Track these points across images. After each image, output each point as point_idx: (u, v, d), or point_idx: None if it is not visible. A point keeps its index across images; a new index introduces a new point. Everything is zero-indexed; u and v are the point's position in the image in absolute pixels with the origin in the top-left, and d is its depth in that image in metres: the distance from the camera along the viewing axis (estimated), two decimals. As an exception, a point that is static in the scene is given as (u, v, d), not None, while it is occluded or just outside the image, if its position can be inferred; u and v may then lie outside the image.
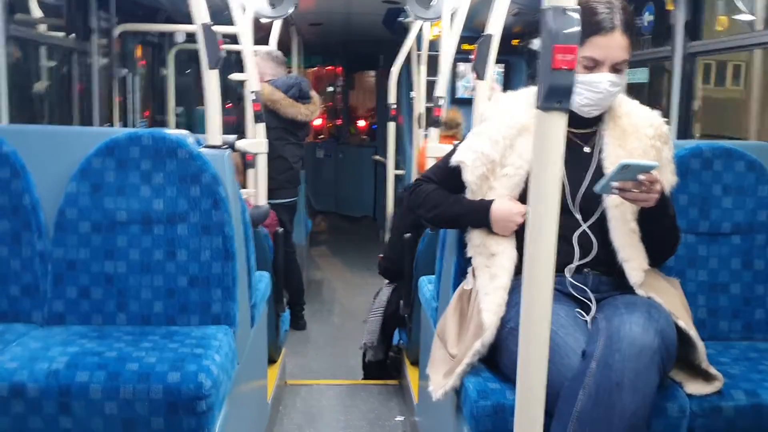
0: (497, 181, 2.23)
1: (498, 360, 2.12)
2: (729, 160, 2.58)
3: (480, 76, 3.27)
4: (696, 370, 2.12)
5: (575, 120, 2.18)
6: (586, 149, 2.24)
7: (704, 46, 3.60)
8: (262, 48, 5.40)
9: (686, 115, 3.71)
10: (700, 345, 2.07)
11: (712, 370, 2.10)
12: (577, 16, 1.32)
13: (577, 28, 1.32)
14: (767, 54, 3.85)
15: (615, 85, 2.11)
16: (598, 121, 2.24)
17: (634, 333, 1.85)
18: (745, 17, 3.69)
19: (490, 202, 2.21)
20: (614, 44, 2.08)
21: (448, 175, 2.33)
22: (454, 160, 2.29)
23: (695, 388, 2.10)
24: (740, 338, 2.57)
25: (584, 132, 2.24)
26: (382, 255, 4.48)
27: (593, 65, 2.09)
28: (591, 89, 2.11)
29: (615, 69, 2.11)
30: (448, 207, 2.33)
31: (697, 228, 2.57)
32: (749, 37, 3.42)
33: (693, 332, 2.06)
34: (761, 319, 2.58)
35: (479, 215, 2.22)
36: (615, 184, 1.99)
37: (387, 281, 4.39)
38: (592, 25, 2.06)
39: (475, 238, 2.27)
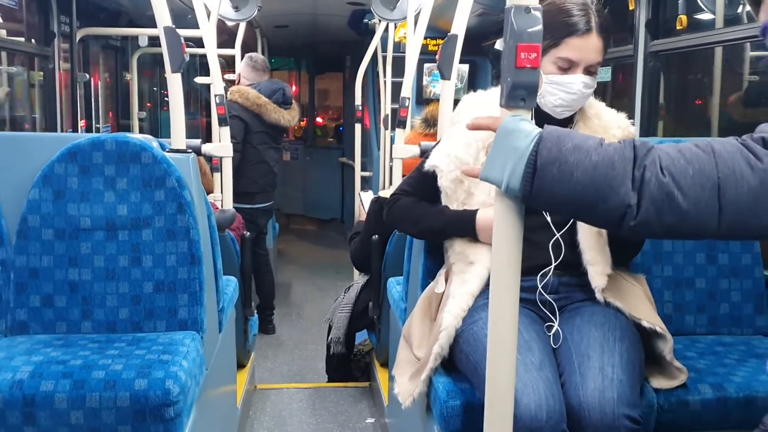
0: (473, 184, 2.20)
1: (455, 360, 2.12)
2: (691, 156, 2.59)
3: (445, 75, 3.27)
4: (661, 364, 2.14)
5: (547, 120, 2.18)
6: None
7: (666, 44, 3.64)
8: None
9: (649, 112, 3.74)
10: (669, 338, 2.09)
11: (677, 364, 2.12)
12: (539, 15, 1.33)
13: (539, 27, 1.32)
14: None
15: (588, 87, 2.10)
16: (569, 121, 2.22)
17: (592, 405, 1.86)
18: (706, 16, 3.73)
19: (475, 211, 2.19)
20: (590, 46, 2.06)
21: (424, 183, 2.30)
22: (428, 165, 2.26)
23: (661, 382, 2.12)
24: (706, 332, 2.60)
25: None
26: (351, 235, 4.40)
27: (568, 66, 2.08)
28: (564, 90, 2.09)
29: (588, 71, 2.10)
30: (432, 220, 2.28)
31: (661, 224, 2.59)
32: (711, 35, 3.45)
33: (659, 328, 2.08)
34: (726, 314, 2.61)
35: (465, 225, 2.20)
36: None
37: (359, 274, 4.35)
38: (568, 27, 2.05)
39: (456, 245, 2.24)
